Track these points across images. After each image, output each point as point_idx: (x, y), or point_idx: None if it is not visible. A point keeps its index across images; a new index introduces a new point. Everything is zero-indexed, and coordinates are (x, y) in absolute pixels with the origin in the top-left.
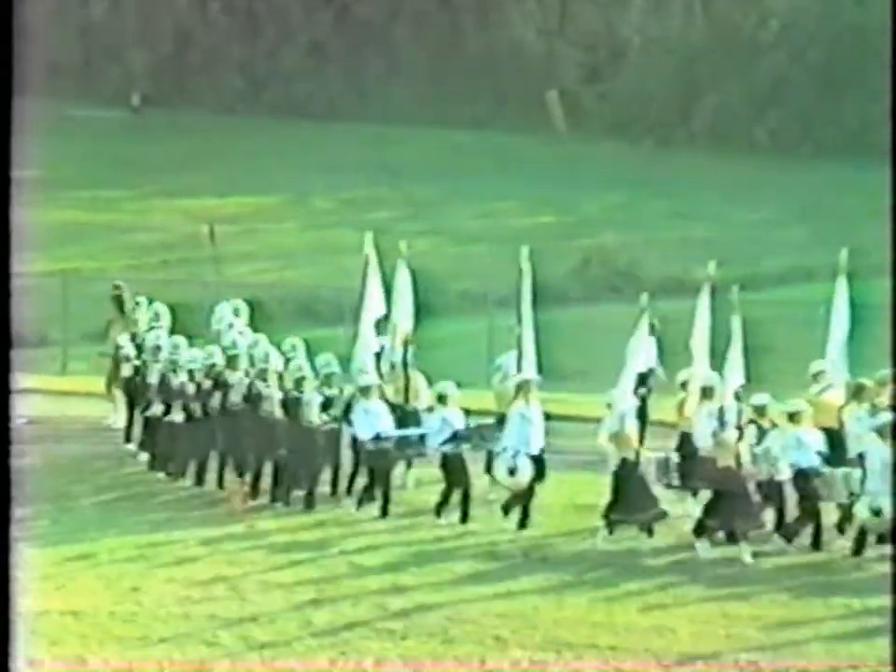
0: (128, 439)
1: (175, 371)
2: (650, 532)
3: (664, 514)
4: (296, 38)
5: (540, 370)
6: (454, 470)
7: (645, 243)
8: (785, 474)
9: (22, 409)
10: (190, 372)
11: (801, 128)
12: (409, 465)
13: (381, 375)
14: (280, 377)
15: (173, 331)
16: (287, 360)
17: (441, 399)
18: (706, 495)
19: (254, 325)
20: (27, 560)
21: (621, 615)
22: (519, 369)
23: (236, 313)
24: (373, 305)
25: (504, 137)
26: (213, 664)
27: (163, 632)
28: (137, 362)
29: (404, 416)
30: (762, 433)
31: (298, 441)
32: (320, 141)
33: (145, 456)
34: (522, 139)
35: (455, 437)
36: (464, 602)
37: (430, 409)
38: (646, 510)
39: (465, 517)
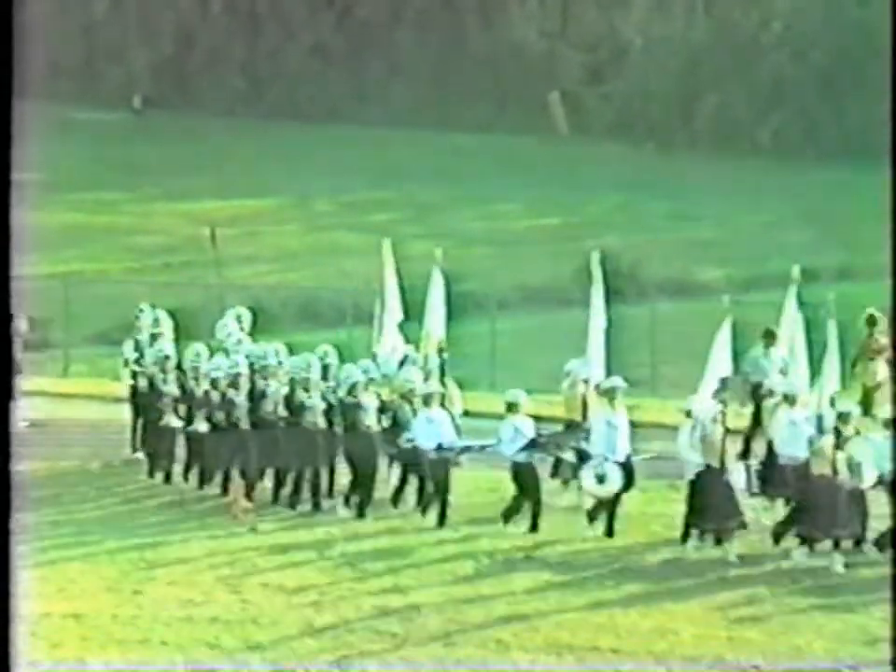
0: (134, 447)
1: (196, 379)
2: (718, 541)
3: (744, 524)
4: (298, 40)
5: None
6: (525, 479)
7: (647, 244)
8: (869, 482)
9: (24, 412)
10: (213, 381)
11: (803, 129)
12: None
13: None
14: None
15: (175, 334)
16: (325, 367)
17: (512, 407)
18: (789, 503)
19: (256, 328)
20: (28, 562)
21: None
22: (588, 374)
23: (239, 320)
24: (395, 310)
25: (506, 139)
26: (215, 666)
27: (165, 635)
28: (139, 369)
29: None
30: (843, 440)
31: (357, 447)
32: (322, 143)
33: (148, 463)
34: (524, 141)
35: (534, 444)
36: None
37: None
38: (730, 517)
39: (535, 526)
